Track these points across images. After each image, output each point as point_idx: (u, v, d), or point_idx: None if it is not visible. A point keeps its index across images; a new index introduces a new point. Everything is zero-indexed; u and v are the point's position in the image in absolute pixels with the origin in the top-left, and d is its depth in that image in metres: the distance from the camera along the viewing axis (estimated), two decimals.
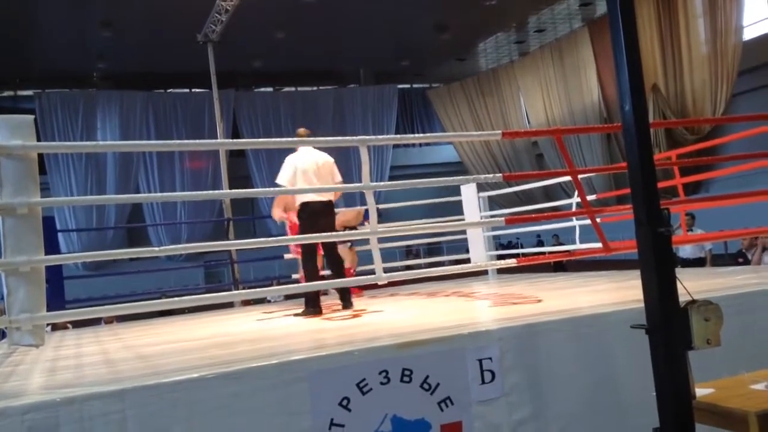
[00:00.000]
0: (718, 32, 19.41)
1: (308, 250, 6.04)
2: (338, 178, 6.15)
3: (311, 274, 5.96)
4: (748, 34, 19.73)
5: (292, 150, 6.18)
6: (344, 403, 3.21)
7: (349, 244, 7.74)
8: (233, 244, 6.15)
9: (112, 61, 23.58)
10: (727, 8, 19.14)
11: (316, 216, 5.83)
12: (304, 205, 5.90)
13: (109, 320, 8.37)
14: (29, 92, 25.86)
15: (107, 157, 24.63)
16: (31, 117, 3.51)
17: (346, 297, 6.02)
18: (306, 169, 5.95)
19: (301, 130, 6.13)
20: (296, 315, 5.90)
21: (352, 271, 7.77)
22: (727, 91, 19.54)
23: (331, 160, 6.14)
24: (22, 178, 3.30)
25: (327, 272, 6.84)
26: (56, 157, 24.03)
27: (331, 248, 6.18)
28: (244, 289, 10.10)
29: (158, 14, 19.16)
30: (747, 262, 9.35)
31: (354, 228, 7.63)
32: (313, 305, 5.86)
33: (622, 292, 5.00)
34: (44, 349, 4.74)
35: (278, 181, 6.02)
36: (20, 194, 3.26)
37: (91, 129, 24.97)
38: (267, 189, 7.59)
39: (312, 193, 5.82)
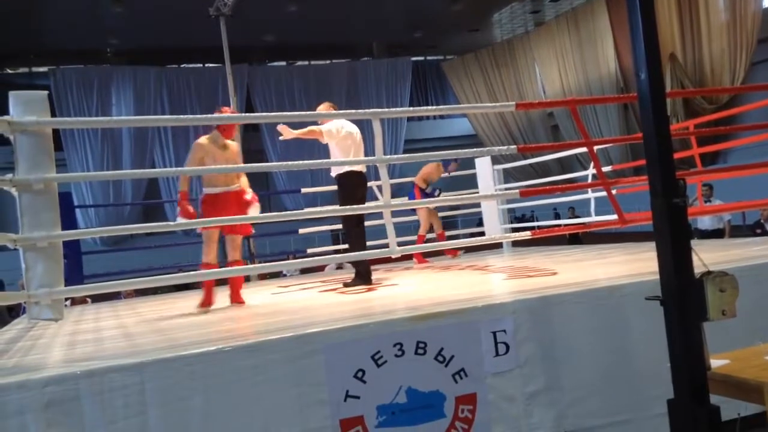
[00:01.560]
0: (737, 0, 19.03)
1: (354, 221, 5.82)
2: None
3: (360, 245, 5.72)
4: None
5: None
6: (359, 375, 3.24)
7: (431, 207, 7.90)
8: (249, 219, 6.11)
9: (125, 36, 23.56)
10: None
11: (357, 187, 5.73)
12: (348, 175, 5.74)
13: (129, 294, 8.47)
14: (44, 69, 25.93)
15: (122, 132, 24.71)
16: (45, 92, 3.51)
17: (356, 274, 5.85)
18: (357, 139, 5.85)
19: (326, 104, 5.96)
20: (345, 285, 5.80)
21: (442, 234, 8.20)
22: (746, 60, 19.20)
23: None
24: (37, 154, 3.32)
25: (340, 246, 6.84)
26: (72, 134, 24.16)
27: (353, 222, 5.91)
28: (260, 263, 10.16)
29: None
30: (765, 233, 9.26)
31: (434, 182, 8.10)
32: (363, 277, 5.74)
33: (637, 264, 4.97)
34: (64, 324, 4.82)
35: (324, 128, 5.78)
36: (36, 170, 3.28)
37: (106, 105, 25.04)
38: (282, 163, 7.64)
39: (353, 165, 5.69)
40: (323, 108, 5.85)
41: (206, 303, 5.09)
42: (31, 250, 3.21)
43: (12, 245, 3.25)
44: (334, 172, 5.81)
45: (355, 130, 5.93)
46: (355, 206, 5.27)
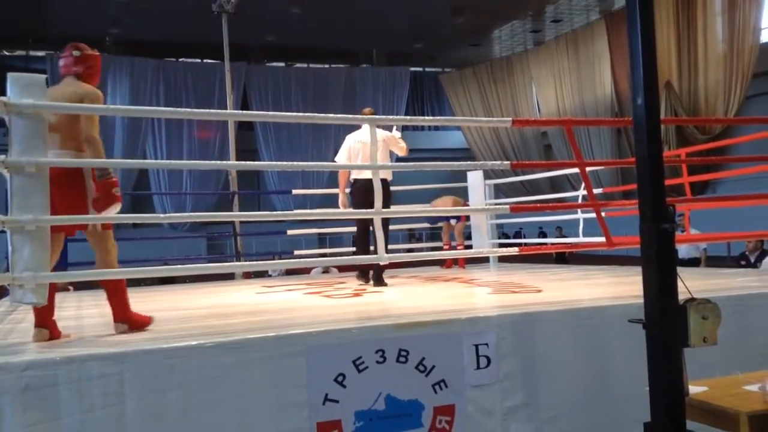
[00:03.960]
0: (735, 31, 19.23)
1: (359, 226, 6.46)
2: (399, 151, 6.39)
3: (360, 248, 6.45)
4: (765, 36, 19.56)
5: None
6: (339, 379, 3.24)
7: (455, 221, 8.45)
8: (239, 216, 6.13)
9: (126, 27, 23.49)
10: (746, 8, 18.94)
11: (364, 192, 5.91)
12: (353, 182, 6.36)
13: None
14: (41, 53, 25.78)
15: (116, 121, 24.60)
16: (43, 76, 3.50)
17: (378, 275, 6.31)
18: (353, 147, 6.38)
19: (367, 110, 6.48)
20: (376, 281, 6.27)
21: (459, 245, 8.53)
22: (741, 92, 19.40)
23: (387, 134, 6.31)
24: (31, 137, 3.30)
25: (327, 250, 6.89)
26: None
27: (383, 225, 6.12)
28: (245, 261, 10.14)
29: None
30: (749, 265, 9.33)
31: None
32: (363, 275, 6.51)
33: (621, 287, 5.01)
34: None
35: (336, 159, 6.52)
36: (29, 153, 3.26)
37: (102, 93, 24.93)
38: (275, 163, 7.64)
39: (360, 171, 6.24)
40: (367, 112, 6.42)
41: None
42: (19, 232, 3.19)
43: (0, 227, 3.23)
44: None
45: (356, 141, 6.43)
46: (345, 210, 5.30)
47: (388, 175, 6.17)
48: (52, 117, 3.56)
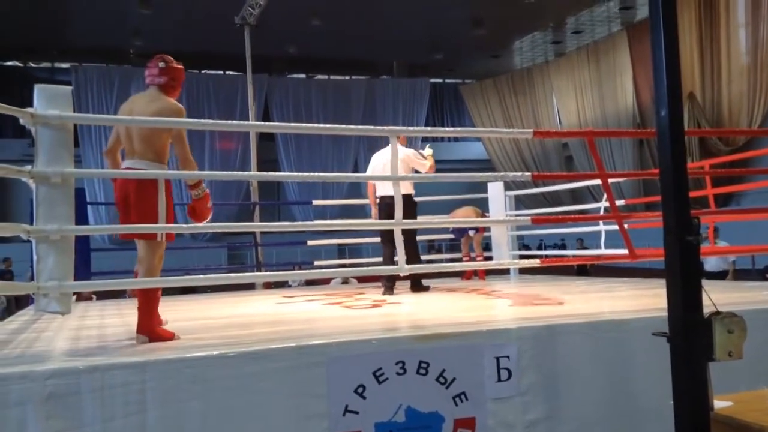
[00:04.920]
0: (759, 43, 19.03)
1: (383, 241, 6.72)
2: (420, 168, 6.60)
3: (385, 259, 6.70)
4: None
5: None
6: (360, 390, 3.23)
7: (473, 232, 8.59)
8: (261, 226, 6.15)
9: (149, 39, 23.78)
10: None
11: (386, 208, 6.43)
12: (379, 200, 6.68)
13: (134, 294, 8.44)
14: (66, 65, 26.22)
15: None
16: (69, 88, 3.55)
17: (417, 281, 6.77)
18: (375, 167, 6.73)
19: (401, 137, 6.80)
20: (415, 287, 6.77)
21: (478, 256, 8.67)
22: (765, 103, 19.17)
23: (407, 153, 6.58)
24: (57, 148, 3.35)
25: (347, 260, 6.94)
26: (89, 130, 24.35)
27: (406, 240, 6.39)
28: (266, 272, 10.18)
29: None
30: None
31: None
32: (419, 283, 6.81)
33: (644, 300, 4.96)
34: (69, 318, 4.83)
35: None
36: (54, 163, 3.31)
37: None
38: (296, 174, 7.64)
39: (383, 188, 6.56)
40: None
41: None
42: (44, 242, 3.23)
43: (25, 236, 3.27)
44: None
45: (377, 161, 6.81)
46: (365, 221, 5.33)
47: (410, 190, 6.50)
48: (123, 128, 3.87)
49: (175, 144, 3.86)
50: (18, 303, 9.53)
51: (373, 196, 6.92)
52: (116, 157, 4.10)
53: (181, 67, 4.07)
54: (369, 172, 6.91)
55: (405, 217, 5.89)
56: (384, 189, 6.55)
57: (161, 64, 3.94)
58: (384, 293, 6.58)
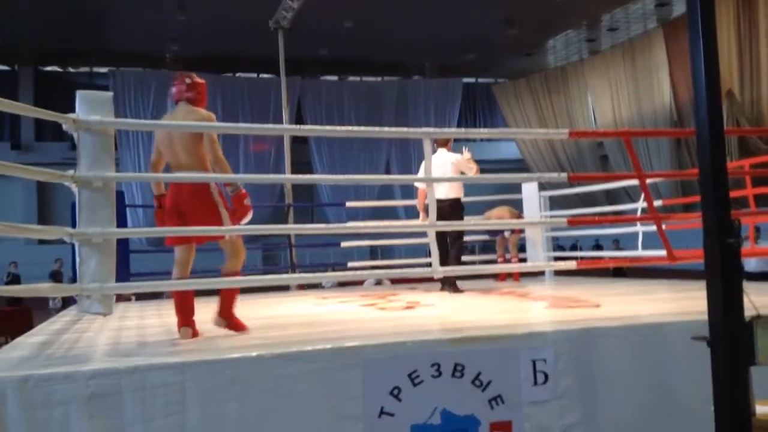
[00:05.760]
0: None
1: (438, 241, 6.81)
2: (469, 172, 6.86)
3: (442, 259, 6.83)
4: None
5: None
6: (395, 392, 3.24)
7: (508, 233, 8.63)
8: (295, 229, 6.21)
9: (185, 44, 24.10)
10: None
11: (440, 211, 6.42)
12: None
13: (172, 295, 8.57)
14: (104, 69, 26.70)
15: None
16: (110, 94, 3.64)
17: (450, 282, 6.82)
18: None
19: (440, 140, 6.94)
20: (442, 290, 6.83)
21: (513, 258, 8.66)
22: None
23: (456, 158, 6.86)
24: (98, 153, 3.43)
25: (379, 262, 6.99)
26: (127, 134, 24.74)
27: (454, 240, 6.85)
28: (300, 273, 10.25)
29: (232, 0, 19.53)
30: None
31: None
32: (451, 284, 6.84)
33: (683, 303, 4.88)
34: (109, 319, 4.92)
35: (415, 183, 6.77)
36: (96, 168, 3.39)
37: (161, 109, 25.60)
38: (330, 176, 7.74)
39: (438, 191, 6.45)
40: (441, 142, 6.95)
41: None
42: (87, 244, 3.31)
43: (68, 239, 3.35)
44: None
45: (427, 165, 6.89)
46: (399, 223, 5.35)
47: (460, 194, 6.86)
48: (164, 140, 4.12)
49: (207, 145, 4.10)
50: (65, 303, 9.77)
51: (423, 201, 6.93)
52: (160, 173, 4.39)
53: (204, 81, 4.41)
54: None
55: (454, 219, 6.46)
56: (437, 192, 6.68)
57: (188, 81, 4.31)
58: (442, 290, 6.88)
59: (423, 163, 6.92)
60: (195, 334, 3.92)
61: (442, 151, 6.94)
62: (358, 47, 25.01)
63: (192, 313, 4.00)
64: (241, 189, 4.13)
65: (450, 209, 6.57)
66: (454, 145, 7.32)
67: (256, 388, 3.07)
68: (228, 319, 4.05)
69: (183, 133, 4.05)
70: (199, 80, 4.36)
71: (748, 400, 2.53)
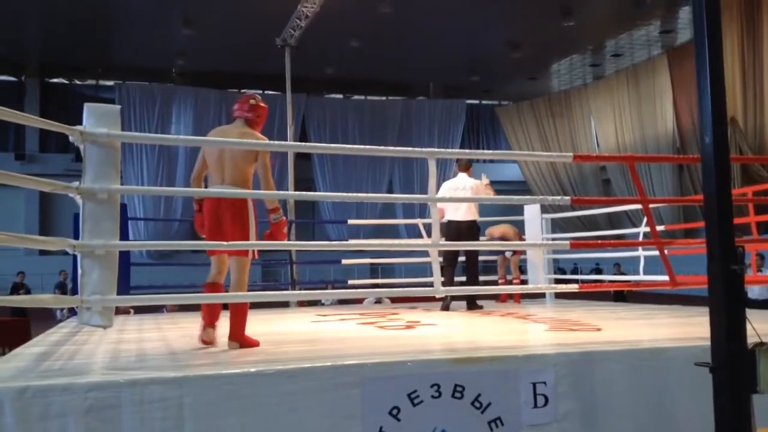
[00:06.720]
0: None
1: (446, 259, 7.00)
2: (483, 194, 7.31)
3: (447, 280, 6.83)
4: None
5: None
6: (394, 412, 3.22)
7: (509, 253, 8.65)
8: (296, 245, 6.22)
9: (191, 58, 24.28)
10: None
11: (454, 231, 6.90)
12: (447, 223, 7.02)
13: (172, 308, 8.60)
14: (110, 82, 26.91)
15: (179, 150, 25.33)
16: (118, 107, 3.65)
17: (471, 299, 7.15)
18: (444, 194, 7.12)
19: (462, 165, 7.39)
20: (471, 306, 7.10)
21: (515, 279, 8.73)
22: None
23: (474, 183, 7.19)
24: (104, 165, 3.43)
25: (379, 280, 6.98)
26: (131, 147, 24.84)
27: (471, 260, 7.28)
28: (301, 290, 10.23)
29: (240, 16, 19.67)
30: None
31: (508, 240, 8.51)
32: (474, 302, 7.16)
33: (685, 328, 4.86)
34: (108, 331, 4.91)
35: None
36: (101, 180, 3.39)
37: (166, 122, 25.75)
38: (333, 194, 7.77)
39: (452, 213, 7.02)
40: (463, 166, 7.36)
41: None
42: (89, 256, 3.31)
43: (71, 250, 3.35)
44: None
45: (446, 189, 7.27)
46: (400, 241, 5.35)
47: (475, 216, 7.13)
48: (213, 151, 4.29)
49: (259, 170, 4.26)
50: (72, 315, 9.77)
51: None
52: (201, 184, 4.54)
53: (266, 106, 4.57)
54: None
55: (471, 240, 6.88)
56: (453, 214, 7.05)
57: (252, 101, 4.48)
58: (442, 309, 7.11)
59: (444, 184, 7.19)
60: (214, 340, 4.07)
61: (462, 176, 7.25)
62: (364, 66, 25.17)
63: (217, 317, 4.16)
64: (283, 218, 4.30)
65: (468, 230, 6.95)
66: (473, 170, 7.48)
67: (254, 404, 3.05)
68: (240, 340, 4.09)
69: (235, 150, 4.17)
70: (262, 104, 4.50)
71: (750, 429, 2.52)
